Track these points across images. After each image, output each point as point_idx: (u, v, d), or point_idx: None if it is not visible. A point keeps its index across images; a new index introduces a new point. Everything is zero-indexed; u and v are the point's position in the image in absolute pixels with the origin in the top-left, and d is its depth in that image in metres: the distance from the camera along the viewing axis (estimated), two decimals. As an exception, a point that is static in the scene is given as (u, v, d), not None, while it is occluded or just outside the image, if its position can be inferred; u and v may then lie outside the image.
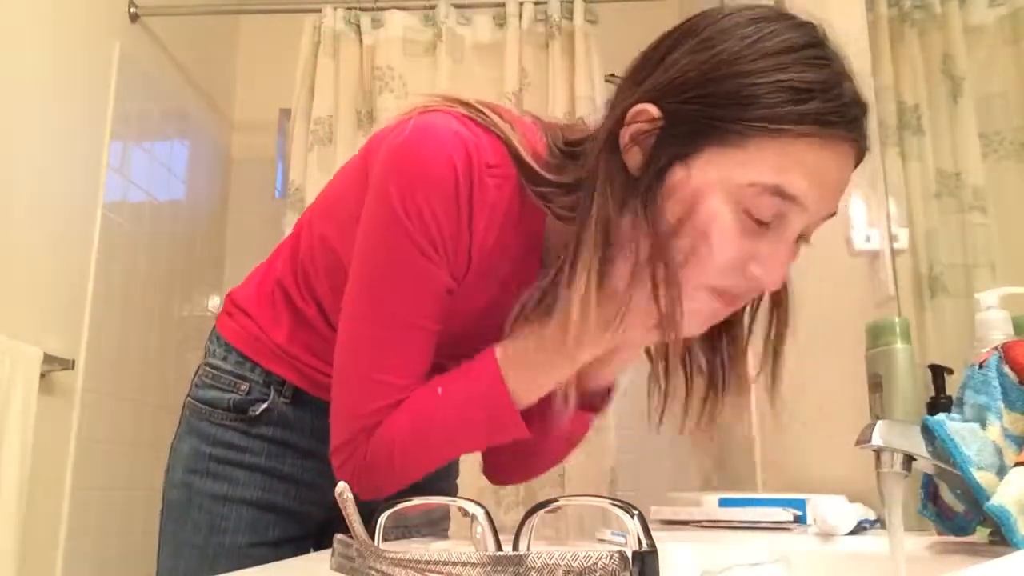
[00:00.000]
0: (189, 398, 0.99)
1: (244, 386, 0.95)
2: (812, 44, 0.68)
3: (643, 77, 0.72)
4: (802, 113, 0.65)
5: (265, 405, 0.94)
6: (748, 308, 0.82)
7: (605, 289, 0.70)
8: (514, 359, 0.77)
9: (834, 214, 0.71)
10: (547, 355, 0.75)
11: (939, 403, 0.96)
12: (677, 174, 0.68)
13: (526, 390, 0.77)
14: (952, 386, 0.93)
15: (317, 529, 0.99)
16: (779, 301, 0.81)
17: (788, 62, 0.66)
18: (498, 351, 0.77)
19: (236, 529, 0.94)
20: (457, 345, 0.80)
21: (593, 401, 0.87)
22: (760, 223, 0.68)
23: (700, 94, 0.67)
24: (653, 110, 0.69)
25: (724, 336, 0.83)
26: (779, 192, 0.66)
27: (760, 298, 0.81)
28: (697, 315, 0.72)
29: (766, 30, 0.68)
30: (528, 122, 0.81)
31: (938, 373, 0.98)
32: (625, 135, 0.70)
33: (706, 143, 0.67)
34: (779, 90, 0.65)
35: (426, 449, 0.80)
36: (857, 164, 0.70)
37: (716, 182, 0.67)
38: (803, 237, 0.72)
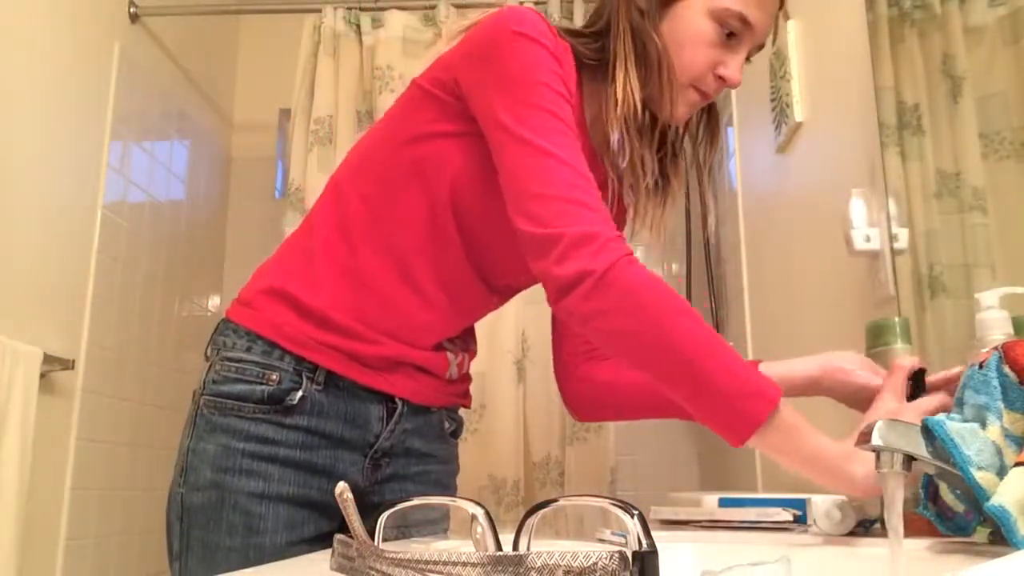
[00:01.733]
0: (207, 396, 0.96)
1: (274, 376, 0.94)
2: None
3: None
4: None
5: (301, 393, 0.94)
6: (686, 134, 1.10)
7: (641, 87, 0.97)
8: (787, 419, 0.85)
9: (763, 46, 1.01)
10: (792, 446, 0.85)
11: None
12: (676, 5, 0.96)
13: (768, 438, 0.84)
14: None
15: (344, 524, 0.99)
16: (713, 119, 1.10)
17: None
18: (782, 403, 0.84)
19: (275, 528, 0.93)
20: (493, 266, 1.00)
21: None
22: (729, 36, 0.96)
23: None
24: None
25: (667, 153, 1.09)
26: (742, 19, 0.95)
27: (696, 125, 1.10)
28: (685, 104, 0.99)
29: None
30: None
31: (918, 376, 0.98)
32: None
33: None
34: None
35: (683, 331, 0.81)
36: (783, 3, 1.01)
37: (702, 7, 0.95)
38: (749, 55, 1.00)
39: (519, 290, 1.13)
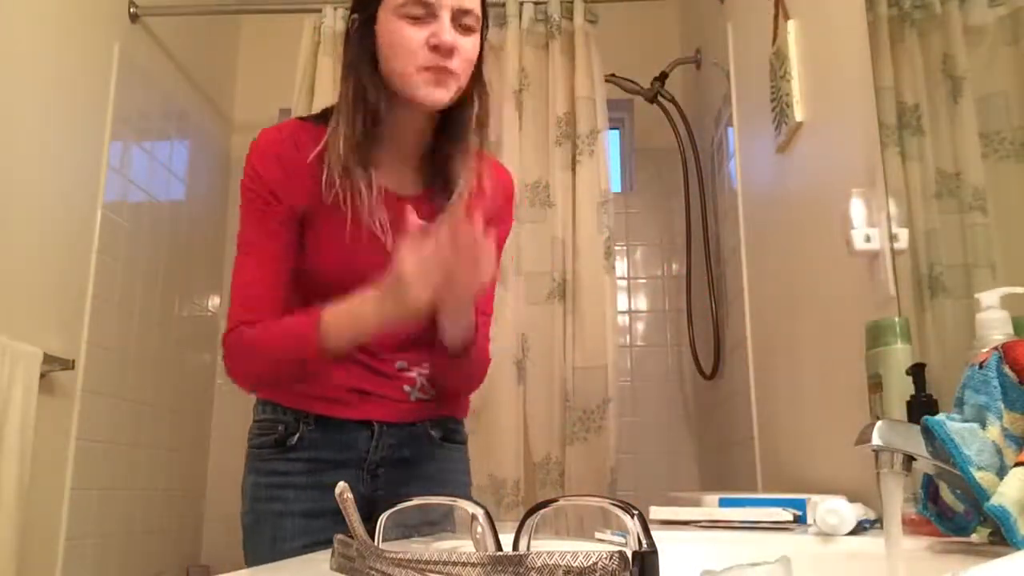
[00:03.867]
0: (249, 448, 1.25)
1: (280, 427, 1.22)
2: None
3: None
4: None
5: (297, 435, 1.21)
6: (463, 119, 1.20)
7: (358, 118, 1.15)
8: (335, 311, 1.10)
9: (469, 11, 1.13)
10: (358, 320, 1.10)
11: (919, 402, 0.96)
12: (373, 27, 1.14)
13: (335, 332, 1.10)
14: (950, 386, 0.93)
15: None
16: (482, 95, 1.20)
17: None
18: (323, 321, 1.10)
19: (293, 536, 1.18)
20: (346, 275, 1.13)
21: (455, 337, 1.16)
22: (417, 19, 1.10)
23: None
24: (354, 15, 1.18)
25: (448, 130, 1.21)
26: (419, 3, 1.10)
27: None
28: (426, 85, 1.12)
29: None
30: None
31: (919, 373, 0.98)
32: (350, 32, 1.18)
33: (375, 8, 1.14)
34: None
35: (266, 350, 1.14)
36: None
37: (387, 13, 1.12)
38: (454, 20, 1.12)
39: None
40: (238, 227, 1.18)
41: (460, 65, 1.13)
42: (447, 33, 1.10)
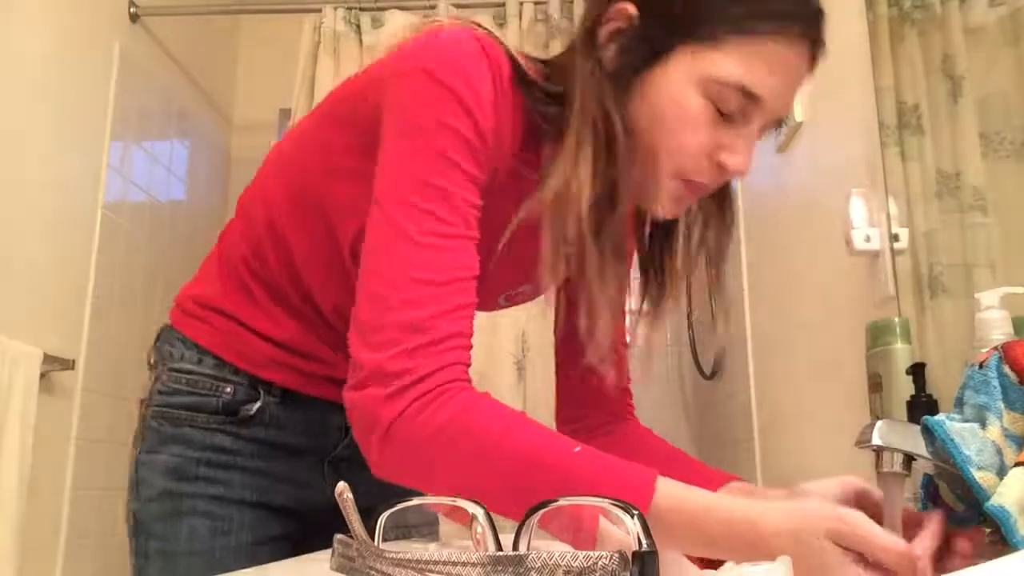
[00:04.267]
0: (155, 407, 0.92)
1: (228, 388, 0.90)
2: None
3: None
4: (771, 14, 0.71)
5: (258, 404, 0.90)
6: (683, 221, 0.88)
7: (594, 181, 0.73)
8: (674, 504, 0.63)
9: (784, 118, 0.78)
10: (705, 534, 0.63)
11: (919, 402, 0.96)
12: (653, 70, 0.73)
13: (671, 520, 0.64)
14: (950, 386, 0.93)
15: (320, 528, 0.96)
16: (723, 206, 0.86)
17: None
18: (661, 482, 0.64)
19: (240, 528, 0.89)
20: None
21: None
22: (725, 115, 0.73)
23: None
24: (630, 7, 0.73)
25: (661, 247, 0.89)
26: (743, 90, 0.71)
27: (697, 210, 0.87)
28: (671, 200, 0.78)
29: None
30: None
31: (919, 372, 0.98)
32: (602, 33, 0.75)
33: (680, 41, 0.72)
34: None
35: (527, 474, 0.64)
36: (814, 65, 0.76)
37: (688, 76, 0.72)
38: (763, 131, 0.77)
39: None
40: (385, 184, 0.72)
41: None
42: (748, 153, 0.75)
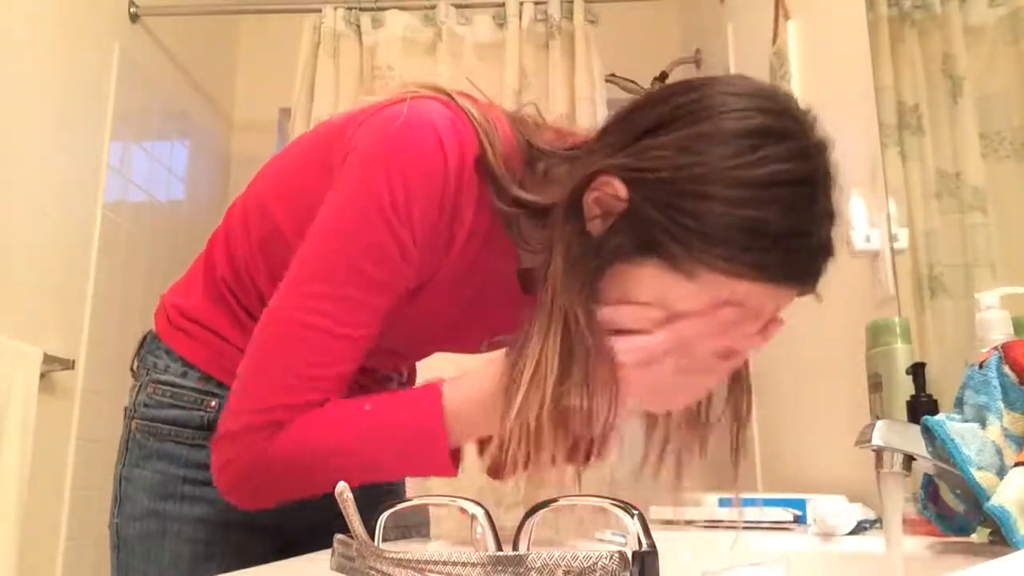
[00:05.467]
0: (138, 420, 0.90)
1: (213, 402, 0.87)
2: (802, 181, 0.65)
3: (622, 142, 0.68)
4: (756, 261, 0.64)
5: None
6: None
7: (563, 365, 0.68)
8: (459, 407, 0.72)
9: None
10: (490, 414, 0.69)
11: (919, 402, 0.96)
12: (629, 262, 0.67)
13: (461, 435, 0.74)
14: (950, 386, 0.93)
15: (297, 547, 0.91)
16: (739, 379, 0.80)
17: (764, 198, 0.62)
18: (445, 390, 0.72)
19: (224, 553, 0.87)
20: (419, 346, 0.78)
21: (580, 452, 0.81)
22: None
23: (664, 201, 0.64)
24: (621, 189, 0.66)
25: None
26: (748, 309, 0.66)
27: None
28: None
29: (759, 153, 0.63)
30: (497, 114, 0.78)
31: (919, 372, 0.98)
32: (589, 198, 0.68)
33: (655, 255, 0.65)
34: (741, 229, 0.62)
35: (338, 462, 0.72)
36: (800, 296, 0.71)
37: (654, 292, 0.66)
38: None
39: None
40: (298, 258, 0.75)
41: None
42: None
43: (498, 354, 0.72)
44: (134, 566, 0.88)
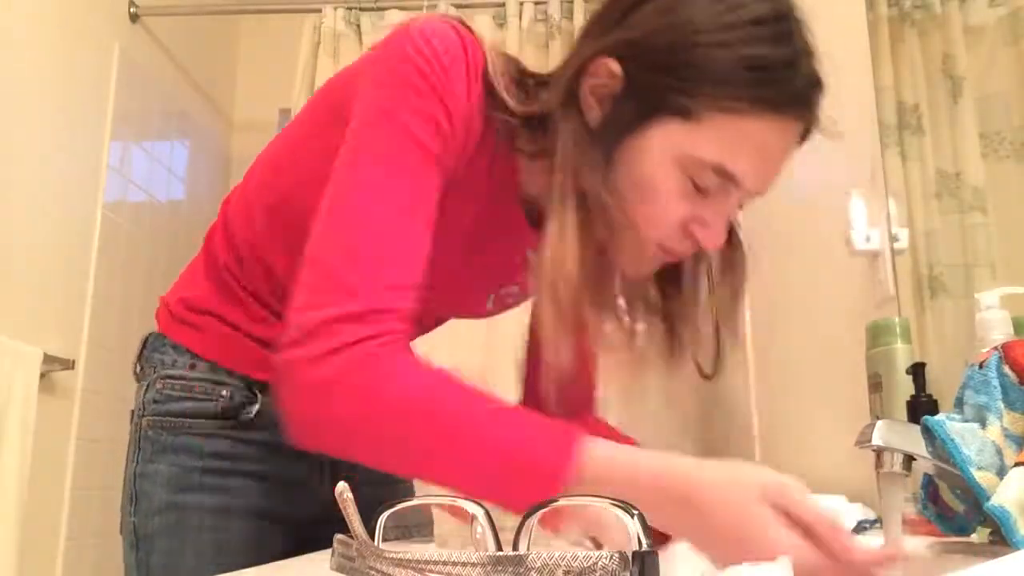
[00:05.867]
0: (150, 417, 0.90)
1: (224, 391, 0.88)
2: (778, 17, 0.69)
3: (606, 28, 0.72)
4: (758, 95, 0.67)
5: (257, 407, 0.88)
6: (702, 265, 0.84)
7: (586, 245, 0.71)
8: (599, 473, 0.62)
9: (762, 193, 0.75)
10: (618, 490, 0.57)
11: (919, 402, 0.96)
12: (634, 137, 0.70)
13: (571, 486, 0.63)
14: (950, 386, 0.93)
15: (304, 530, 0.94)
16: (732, 265, 0.84)
17: (751, 36, 0.67)
18: (598, 451, 0.63)
19: (240, 548, 0.87)
20: (425, 305, 0.71)
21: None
22: (701, 190, 0.71)
23: (661, 62, 0.69)
24: (615, 66, 0.70)
25: (674, 295, 0.85)
26: (721, 171, 0.69)
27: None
28: (645, 262, 0.76)
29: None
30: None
31: (919, 372, 0.98)
32: (585, 86, 0.72)
33: (663, 112, 0.69)
34: (739, 67, 0.67)
35: (433, 445, 0.64)
36: (803, 140, 0.74)
37: (666, 149, 0.69)
38: (742, 204, 0.76)
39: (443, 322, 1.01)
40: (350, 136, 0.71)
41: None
42: (721, 228, 0.74)
43: (680, 460, 0.64)
44: (155, 560, 0.87)
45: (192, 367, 0.89)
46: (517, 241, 0.82)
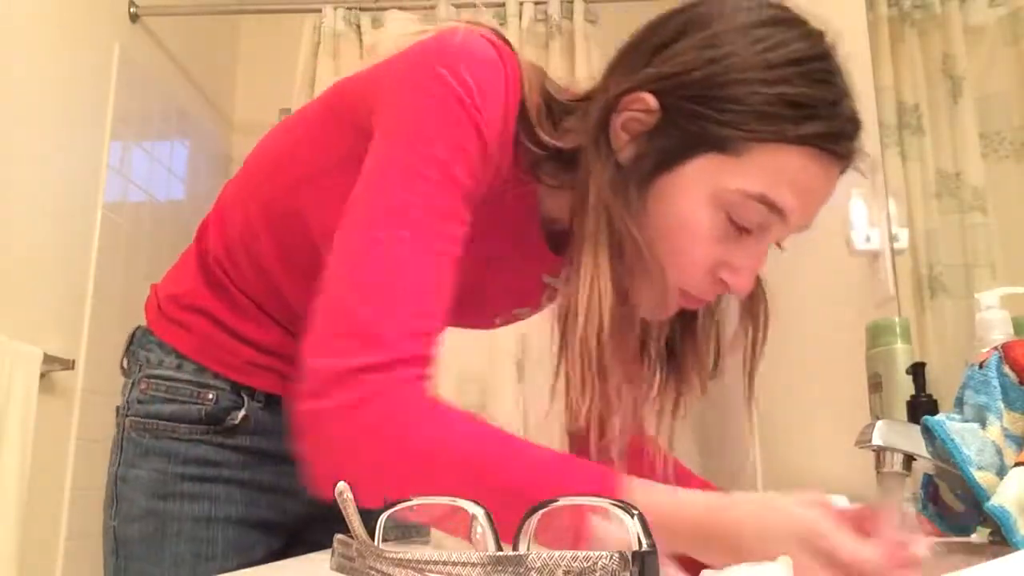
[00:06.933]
0: (133, 417, 0.87)
1: (210, 395, 0.86)
2: (819, 57, 0.69)
3: (638, 64, 0.70)
4: (802, 131, 0.66)
5: (243, 412, 0.86)
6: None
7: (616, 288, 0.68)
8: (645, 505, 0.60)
9: (808, 227, 0.71)
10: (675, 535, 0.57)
11: (919, 402, 0.96)
12: (669, 174, 0.67)
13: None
14: (950, 386, 0.94)
15: (290, 536, 0.94)
16: (755, 312, 0.79)
17: (794, 75, 0.66)
18: (637, 491, 0.59)
19: (225, 553, 0.85)
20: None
21: None
22: (741, 229, 0.68)
23: (702, 95, 0.66)
24: (651, 101, 0.67)
25: (685, 338, 0.83)
26: (766, 202, 0.66)
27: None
28: (668, 308, 0.73)
29: (776, 37, 0.67)
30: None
31: (919, 372, 0.98)
32: (617, 122, 0.69)
33: (703, 147, 0.66)
34: (782, 104, 0.65)
35: (464, 487, 0.57)
36: (843, 173, 0.72)
37: (704, 187, 0.67)
38: (779, 241, 0.72)
39: None
40: (374, 163, 0.67)
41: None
42: (751, 274, 0.71)
43: (718, 497, 0.60)
44: (134, 567, 0.86)
45: (178, 367, 0.87)
46: (534, 265, 0.80)
